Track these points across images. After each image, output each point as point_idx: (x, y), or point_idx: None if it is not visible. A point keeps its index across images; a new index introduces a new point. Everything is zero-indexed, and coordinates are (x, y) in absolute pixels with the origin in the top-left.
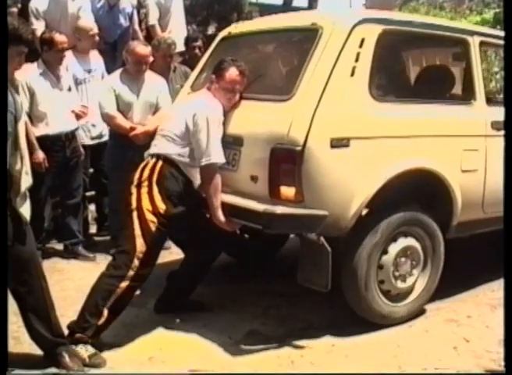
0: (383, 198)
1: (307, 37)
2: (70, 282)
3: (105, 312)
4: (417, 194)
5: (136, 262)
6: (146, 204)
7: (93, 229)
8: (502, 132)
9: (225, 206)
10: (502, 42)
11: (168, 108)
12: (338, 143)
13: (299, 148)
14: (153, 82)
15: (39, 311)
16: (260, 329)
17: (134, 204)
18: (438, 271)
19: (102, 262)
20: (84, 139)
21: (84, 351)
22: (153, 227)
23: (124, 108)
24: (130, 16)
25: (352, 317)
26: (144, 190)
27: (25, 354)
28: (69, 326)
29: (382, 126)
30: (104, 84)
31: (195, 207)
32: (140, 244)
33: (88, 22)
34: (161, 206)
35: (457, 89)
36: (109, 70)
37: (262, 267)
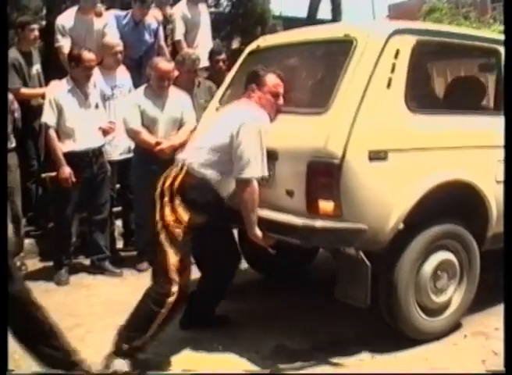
0: (420, 211)
1: (340, 48)
2: (97, 298)
3: (151, 331)
4: (453, 206)
5: (173, 275)
6: (168, 214)
7: (119, 244)
8: None
9: (261, 221)
10: None
11: (193, 123)
12: (376, 156)
13: (337, 161)
14: (177, 97)
15: (43, 336)
16: (287, 343)
17: (158, 216)
18: (474, 284)
19: (129, 277)
20: (111, 155)
21: (121, 364)
22: (179, 236)
23: (149, 123)
24: (156, 31)
25: (384, 333)
26: (166, 199)
27: None
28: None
29: (418, 139)
30: (129, 100)
31: (219, 218)
32: (172, 255)
33: (113, 39)
34: (184, 215)
35: (488, 100)
36: (135, 86)
37: (289, 282)
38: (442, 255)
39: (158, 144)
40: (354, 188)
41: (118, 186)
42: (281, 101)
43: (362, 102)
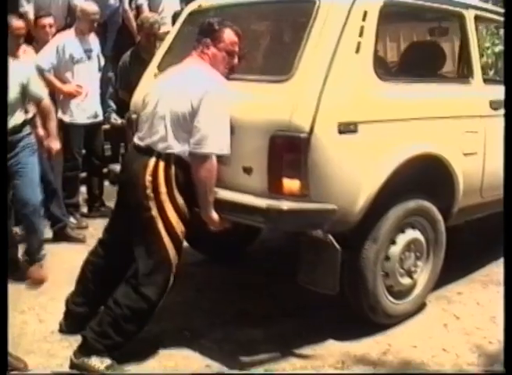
0: (388, 187)
1: (301, 9)
2: (60, 265)
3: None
4: (420, 180)
5: (172, 278)
6: (171, 213)
7: (84, 210)
8: (500, 111)
9: (216, 202)
10: (495, 16)
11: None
12: (346, 128)
13: (304, 135)
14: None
15: None
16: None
17: (155, 212)
18: (440, 262)
19: (93, 244)
20: (78, 118)
21: (99, 362)
22: (181, 235)
23: None
24: None
25: (345, 318)
26: (165, 197)
27: None
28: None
29: (389, 108)
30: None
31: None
32: (173, 256)
33: (92, 6)
34: (186, 212)
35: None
36: (102, 51)
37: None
38: (410, 234)
39: None
40: (323, 165)
41: (84, 151)
42: (236, 60)
43: (330, 69)
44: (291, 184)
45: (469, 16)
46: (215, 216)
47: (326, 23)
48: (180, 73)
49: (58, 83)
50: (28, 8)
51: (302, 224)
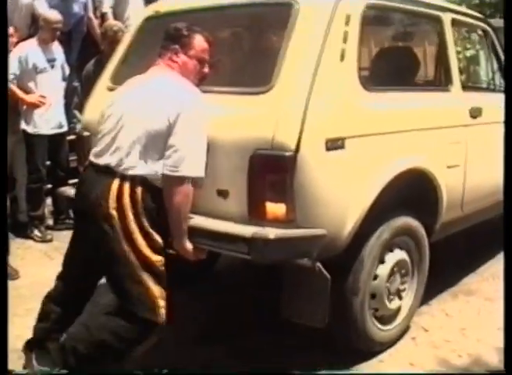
0: (375, 206)
1: (277, 13)
2: (23, 279)
3: None
4: (406, 196)
5: (162, 312)
6: (142, 244)
7: (50, 222)
8: (479, 120)
9: (191, 230)
10: (469, 20)
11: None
12: (333, 145)
13: (290, 154)
14: None
15: None
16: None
17: (125, 244)
18: (423, 282)
19: (57, 257)
20: (42, 129)
21: None
22: (161, 266)
23: None
24: (85, 3)
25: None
26: (133, 226)
27: None
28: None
29: (375, 121)
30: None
31: None
32: (158, 290)
33: (54, 14)
34: (159, 241)
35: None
36: (67, 60)
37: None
38: (397, 255)
39: None
40: (310, 186)
41: (48, 162)
42: (206, 69)
43: (315, 79)
44: (276, 209)
45: (446, 19)
46: (189, 246)
47: (307, 28)
48: (147, 84)
49: (21, 94)
50: None
51: (290, 253)
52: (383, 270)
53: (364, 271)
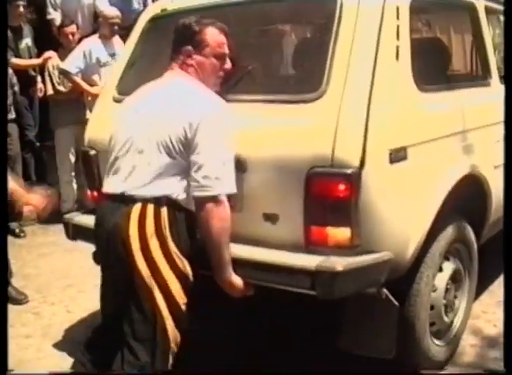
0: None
1: (317, 8)
2: (87, 260)
3: None
4: (459, 200)
5: (171, 358)
6: (170, 278)
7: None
8: None
9: (233, 262)
10: (495, 5)
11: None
12: (396, 156)
13: (354, 171)
14: None
15: None
16: None
17: (149, 278)
18: (474, 289)
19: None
20: None
21: None
22: (184, 309)
23: None
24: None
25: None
26: (159, 255)
27: None
28: None
29: (433, 125)
30: None
31: None
32: (174, 336)
33: (112, 10)
34: (189, 276)
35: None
36: None
37: None
38: (452, 265)
39: None
40: (375, 205)
41: None
42: (228, 64)
43: (374, 81)
44: (338, 234)
45: (480, 7)
46: (236, 280)
47: (358, 24)
48: (159, 95)
49: (85, 86)
50: (55, 16)
51: (361, 285)
52: (441, 281)
53: (425, 287)
